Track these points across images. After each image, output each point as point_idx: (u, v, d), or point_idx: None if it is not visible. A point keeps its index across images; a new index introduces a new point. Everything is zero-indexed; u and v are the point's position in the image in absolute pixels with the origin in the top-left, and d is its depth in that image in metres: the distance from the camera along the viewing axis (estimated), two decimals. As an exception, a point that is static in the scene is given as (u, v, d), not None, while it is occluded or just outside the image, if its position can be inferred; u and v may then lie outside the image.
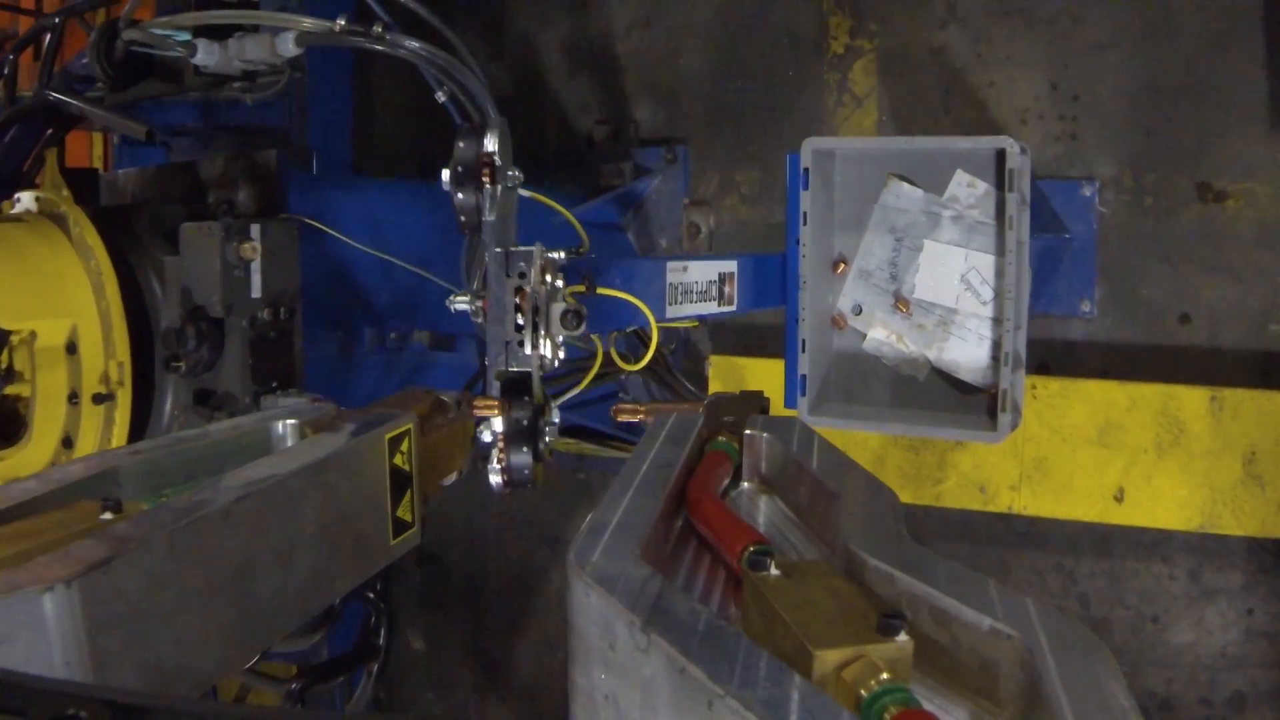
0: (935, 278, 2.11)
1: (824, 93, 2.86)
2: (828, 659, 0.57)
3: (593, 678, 0.63)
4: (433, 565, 3.61)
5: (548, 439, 1.41)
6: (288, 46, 1.79)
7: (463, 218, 1.35)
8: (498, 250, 1.29)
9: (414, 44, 1.74)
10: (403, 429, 0.96)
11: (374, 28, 1.72)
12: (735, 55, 2.97)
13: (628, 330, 1.92)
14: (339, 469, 0.86)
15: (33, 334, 1.59)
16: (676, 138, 3.05)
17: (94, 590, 0.61)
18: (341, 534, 0.87)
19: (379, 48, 1.73)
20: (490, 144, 1.33)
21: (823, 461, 0.86)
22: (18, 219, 1.80)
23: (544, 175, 3.10)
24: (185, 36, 1.84)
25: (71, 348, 1.64)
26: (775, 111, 2.92)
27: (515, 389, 1.30)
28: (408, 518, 0.97)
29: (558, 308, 1.28)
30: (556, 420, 1.46)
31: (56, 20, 2.13)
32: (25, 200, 1.86)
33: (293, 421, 0.94)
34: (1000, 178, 1.98)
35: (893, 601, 0.67)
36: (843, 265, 2.18)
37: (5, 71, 2.13)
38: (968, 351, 2.10)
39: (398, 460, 0.95)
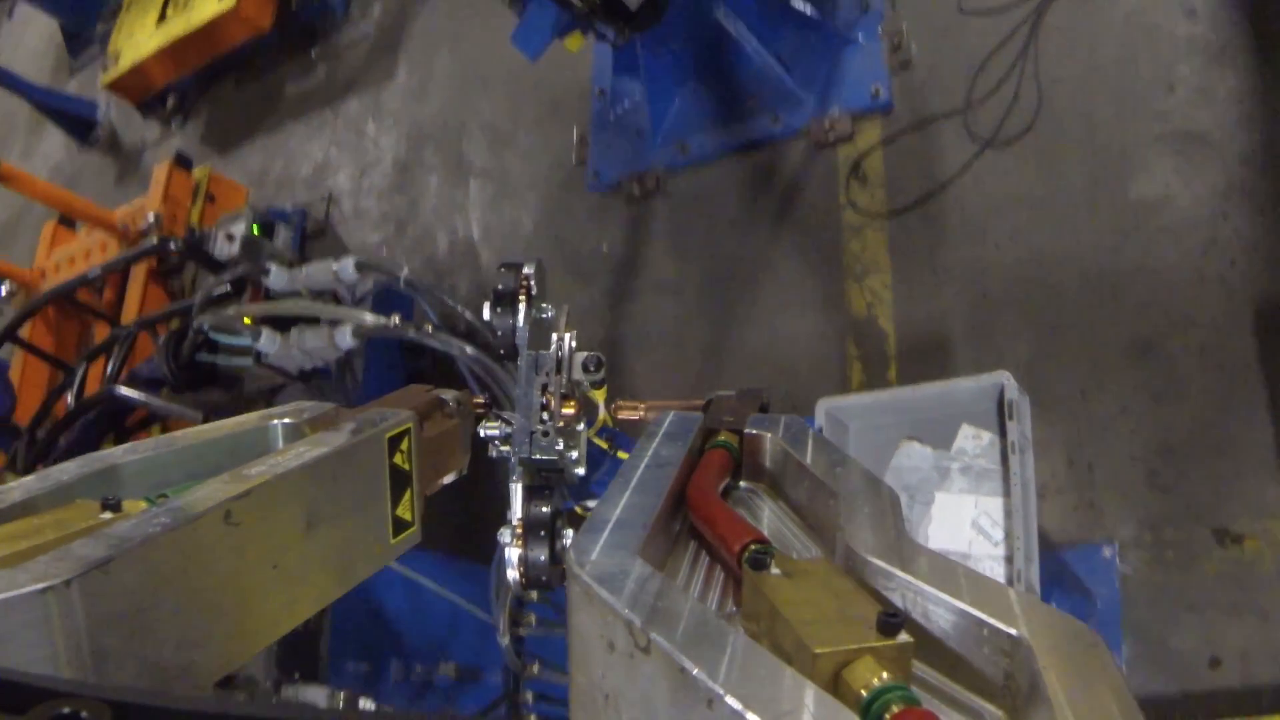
0: (947, 528, 2.20)
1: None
2: (828, 658, 0.57)
3: (593, 677, 0.63)
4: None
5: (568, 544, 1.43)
6: (346, 339, 1.90)
7: (499, 333, 1.45)
8: (529, 352, 1.35)
9: (467, 349, 1.90)
10: (403, 428, 0.96)
11: (425, 326, 1.91)
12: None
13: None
14: (339, 468, 0.86)
15: None
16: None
17: (94, 590, 0.61)
18: (341, 533, 0.87)
19: (431, 343, 1.88)
20: (528, 269, 1.45)
21: (823, 459, 0.86)
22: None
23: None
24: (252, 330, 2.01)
25: None
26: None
27: (538, 489, 1.36)
28: (408, 517, 0.97)
29: (579, 356, 1.35)
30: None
31: (130, 330, 2.37)
32: None
33: (292, 420, 0.94)
34: (1003, 425, 2.11)
35: (893, 600, 0.67)
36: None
37: (80, 378, 2.37)
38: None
39: (398, 459, 0.95)
